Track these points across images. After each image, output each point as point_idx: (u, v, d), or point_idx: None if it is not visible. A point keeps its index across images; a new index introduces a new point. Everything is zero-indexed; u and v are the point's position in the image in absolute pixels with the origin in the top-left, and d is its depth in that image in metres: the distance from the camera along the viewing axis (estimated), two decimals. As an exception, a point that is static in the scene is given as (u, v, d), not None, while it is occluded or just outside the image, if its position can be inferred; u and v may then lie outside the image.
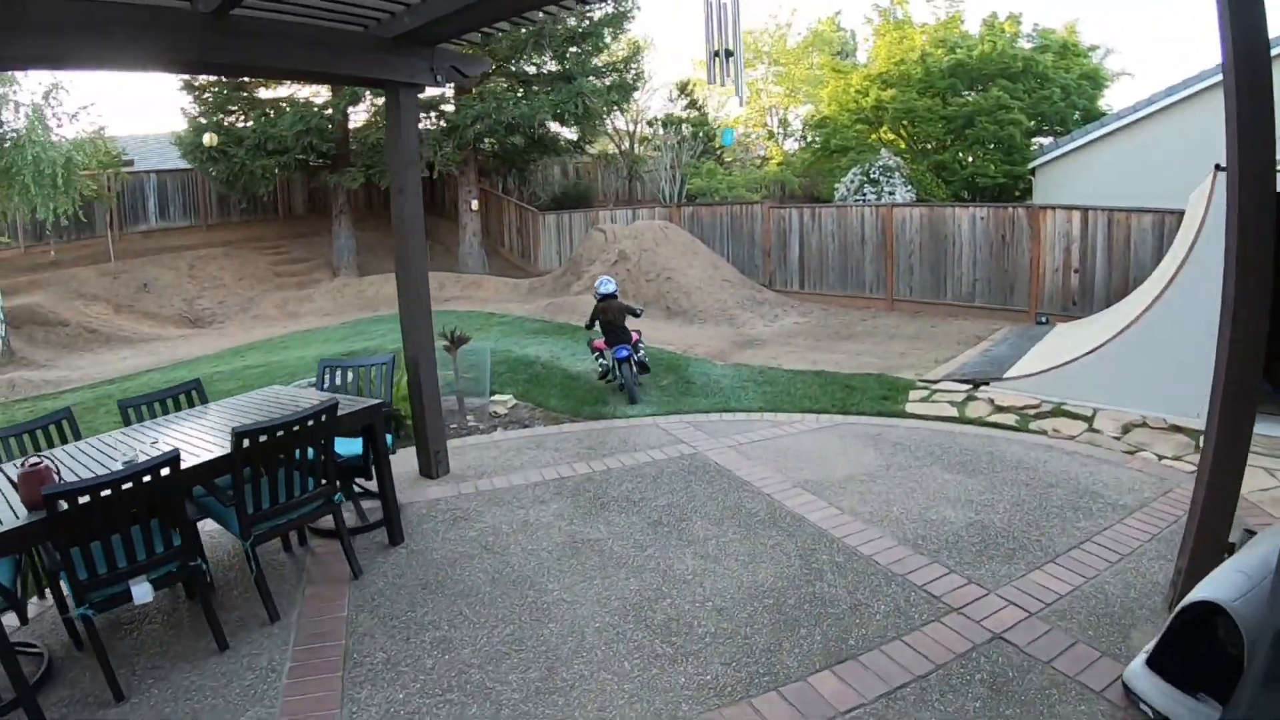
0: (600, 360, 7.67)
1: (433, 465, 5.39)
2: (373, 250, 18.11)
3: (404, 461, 5.47)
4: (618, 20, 16.60)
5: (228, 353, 11.40)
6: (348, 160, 16.56)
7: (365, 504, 4.92)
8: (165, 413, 4.59)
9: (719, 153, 20.61)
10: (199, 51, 4.00)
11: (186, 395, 4.80)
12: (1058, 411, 6.36)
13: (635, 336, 7.64)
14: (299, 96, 16.33)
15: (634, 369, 7.40)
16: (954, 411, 6.54)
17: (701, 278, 12.52)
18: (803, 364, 8.56)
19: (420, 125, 16.45)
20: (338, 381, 5.01)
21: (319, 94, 16.52)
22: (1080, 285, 10.58)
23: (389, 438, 4.77)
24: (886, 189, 14.75)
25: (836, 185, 15.85)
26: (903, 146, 16.91)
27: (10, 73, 10.77)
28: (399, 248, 5.07)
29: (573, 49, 16.20)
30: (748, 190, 17.95)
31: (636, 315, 7.70)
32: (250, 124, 15.11)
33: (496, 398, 7.32)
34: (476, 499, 5.00)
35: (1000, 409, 6.51)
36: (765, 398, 7.10)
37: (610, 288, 7.83)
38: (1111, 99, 16.80)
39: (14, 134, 10.56)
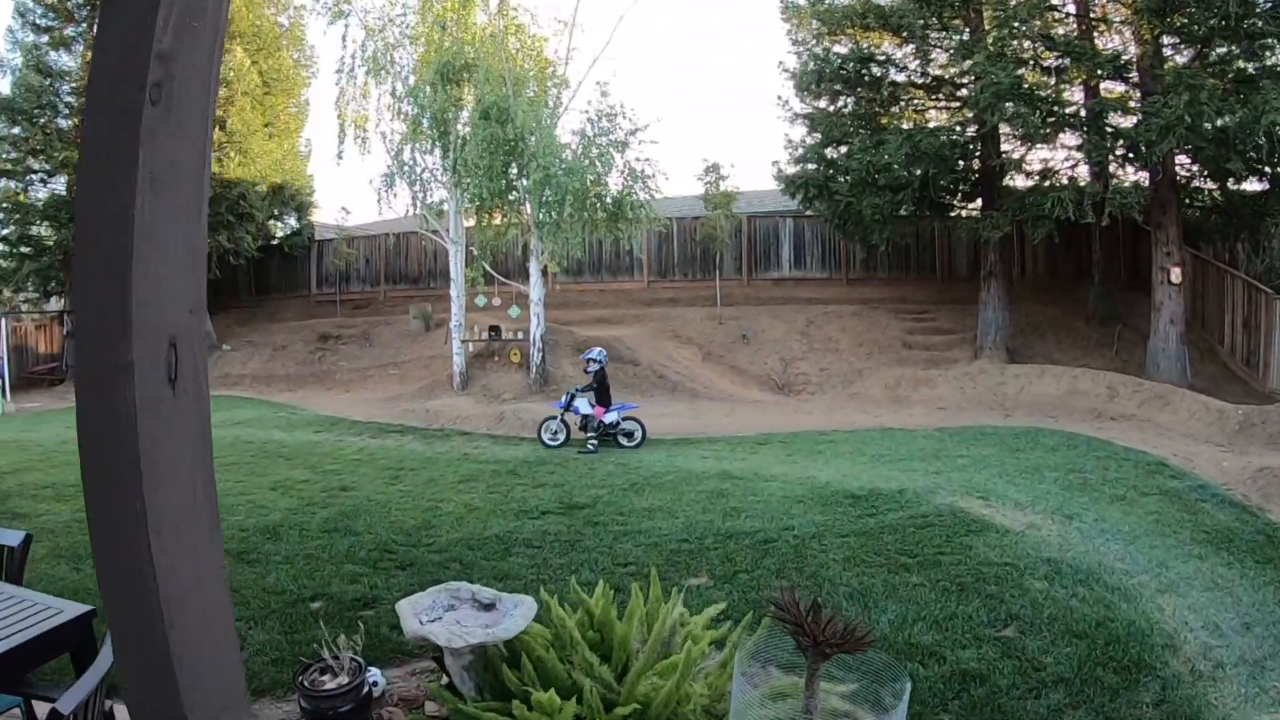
0: (591, 423, 8.61)
1: None
2: (1038, 330, 13.32)
3: None
4: None
5: (751, 440, 8.98)
6: (991, 202, 12.30)
7: None
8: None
9: None
10: None
11: None
12: None
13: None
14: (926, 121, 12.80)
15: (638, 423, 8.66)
16: None
17: None
18: None
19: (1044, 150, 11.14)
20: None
21: (934, 108, 12.74)
22: None
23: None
24: None
25: None
26: None
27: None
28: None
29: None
30: None
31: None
32: (851, 158, 12.06)
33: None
34: None
35: None
36: None
37: (604, 357, 9.25)
38: None
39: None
